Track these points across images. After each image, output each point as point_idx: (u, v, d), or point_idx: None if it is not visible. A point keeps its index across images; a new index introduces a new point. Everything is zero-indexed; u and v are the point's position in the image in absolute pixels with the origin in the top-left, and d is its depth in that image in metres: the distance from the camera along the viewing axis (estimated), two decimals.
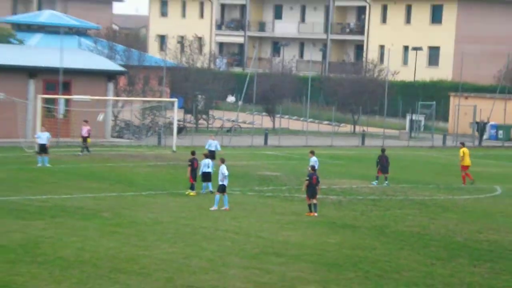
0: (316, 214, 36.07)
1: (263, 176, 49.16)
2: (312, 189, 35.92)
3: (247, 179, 46.95)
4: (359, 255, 29.32)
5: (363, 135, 73.13)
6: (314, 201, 36.34)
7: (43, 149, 50.05)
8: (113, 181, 45.34)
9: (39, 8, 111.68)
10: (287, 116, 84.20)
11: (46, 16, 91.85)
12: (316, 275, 26.29)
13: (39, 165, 48.25)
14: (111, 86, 65.18)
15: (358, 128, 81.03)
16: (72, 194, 39.73)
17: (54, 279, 24.43)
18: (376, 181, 47.14)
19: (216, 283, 24.94)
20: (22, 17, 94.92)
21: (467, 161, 51.33)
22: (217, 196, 37.49)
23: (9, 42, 78.62)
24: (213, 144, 48.39)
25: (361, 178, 50.54)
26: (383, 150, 46.58)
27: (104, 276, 25.07)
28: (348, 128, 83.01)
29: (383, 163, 45.76)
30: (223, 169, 38.81)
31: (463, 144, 53.19)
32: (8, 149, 55.86)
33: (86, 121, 57.17)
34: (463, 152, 51.26)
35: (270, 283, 25.23)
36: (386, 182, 46.71)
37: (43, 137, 50.29)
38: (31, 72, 61.94)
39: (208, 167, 41.88)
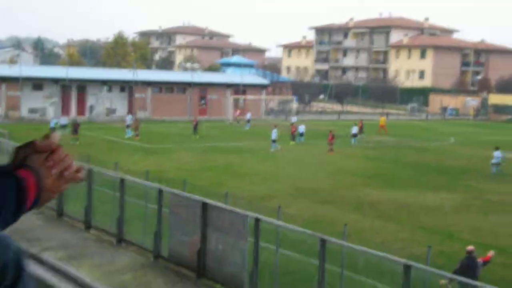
0: None
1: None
2: None
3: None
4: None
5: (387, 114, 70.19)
6: None
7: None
8: (258, 135, 43.45)
9: (232, 55, 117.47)
10: (349, 105, 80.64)
11: (235, 59, 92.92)
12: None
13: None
14: (264, 91, 67.26)
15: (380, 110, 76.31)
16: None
17: (238, 181, 25.99)
18: None
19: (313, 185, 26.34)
20: (224, 60, 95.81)
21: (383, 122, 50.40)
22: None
23: (218, 72, 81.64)
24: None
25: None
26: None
27: (261, 181, 26.09)
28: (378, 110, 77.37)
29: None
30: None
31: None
32: (218, 121, 56.37)
33: (238, 109, 59.24)
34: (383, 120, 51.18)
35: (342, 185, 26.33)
36: None
37: None
38: (228, 85, 63.54)
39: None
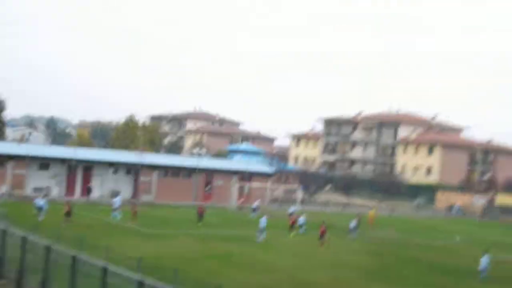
0: None
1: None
2: None
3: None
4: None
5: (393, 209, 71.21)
6: None
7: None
8: (269, 227, 47.94)
9: (241, 142, 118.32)
10: (355, 197, 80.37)
11: (243, 146, 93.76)
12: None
13: None
14: (269, 179, 67.04)
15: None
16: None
17: (238, 271, 25.98)
18: None
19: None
20: (233, 147, 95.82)
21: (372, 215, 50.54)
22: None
23: (226, 158, 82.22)
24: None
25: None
26: None
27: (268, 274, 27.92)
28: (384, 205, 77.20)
29: None
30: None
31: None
32: (222, 208, 56.32)
33: (243, 196, 60.30)
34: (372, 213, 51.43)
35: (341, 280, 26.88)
36: None
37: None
38: (234, 172, 63.58)
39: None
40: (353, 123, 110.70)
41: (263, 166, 72.60)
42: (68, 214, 36.28)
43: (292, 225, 40.16)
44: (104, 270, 13.77)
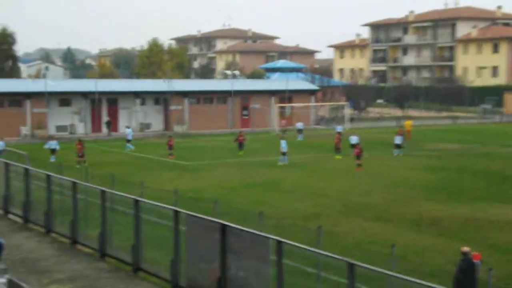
0: None
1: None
2: None
3: None
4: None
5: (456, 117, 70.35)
6: None
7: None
8: (312, 147, 44.33)
9: (278, 59, 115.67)
10: (410, 109, 78.44)
11: (281, 63, 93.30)
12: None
13: None
14: (312, 98, 67.25)
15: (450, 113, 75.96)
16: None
17: (282, 198, 25.73)
18: None
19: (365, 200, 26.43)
20: (269, 65, 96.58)
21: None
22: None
23: (262, 78, 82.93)
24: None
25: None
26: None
27: (307, 197, 25.91)
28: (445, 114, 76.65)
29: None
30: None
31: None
32: (263, 133, 56.61)
33: (284, 118, 59.53)
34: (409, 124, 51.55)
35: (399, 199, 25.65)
36: None
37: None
38: (272, 92, 64.15)
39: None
40: (403, 25, 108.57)
41: (304, 83, 72.12)
42: (81, 154, 36.27)
43: (337, 146, 39.97)
44: (136, 202, 14.08)
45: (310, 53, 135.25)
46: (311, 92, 68.19)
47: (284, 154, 36.81)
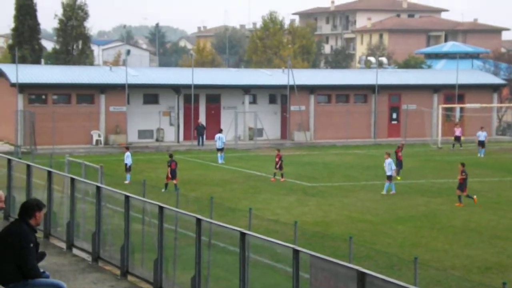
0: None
1: None
2: None
3: None
4: None
5: None
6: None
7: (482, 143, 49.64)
8: (495, 169, 44.13)
9: (445, 40, 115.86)
10: None
11: (449, 46, 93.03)
12: None
13: None
14: (495, 95, 66.20)
15: None
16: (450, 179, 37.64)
17: (447, 241, 25.45)
18: None
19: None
20: (431, 49, 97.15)
21: None
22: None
23: (420, 67, 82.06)
24: None
25: None
26: None
27: (485, 241, 25.72)
28: None
29: None
30: None
31: None
32: (419, 145, 56.65)
33: (457, 124, 57.65)
34: None
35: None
36: None
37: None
38: (435, 88, 64.06)
39: None
40: None
41: (483, 74, 71.14)
42: (173, 174, 35.04)
43: None
44: (242, 237, 14.35)
45: (493, 31, 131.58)
46: (494, 88, 67.16)
47: (389, 178, 35.65)
